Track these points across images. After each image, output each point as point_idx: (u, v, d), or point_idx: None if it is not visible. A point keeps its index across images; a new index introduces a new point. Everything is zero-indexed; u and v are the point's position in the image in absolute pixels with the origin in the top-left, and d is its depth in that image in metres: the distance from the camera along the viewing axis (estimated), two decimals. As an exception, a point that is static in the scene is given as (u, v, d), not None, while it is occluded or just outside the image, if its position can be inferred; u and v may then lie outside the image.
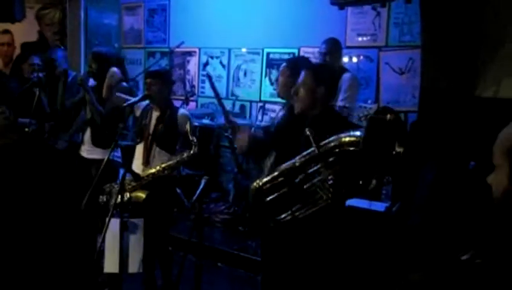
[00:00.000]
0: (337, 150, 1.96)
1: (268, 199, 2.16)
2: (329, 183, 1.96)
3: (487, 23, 2.90)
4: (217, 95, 3.15)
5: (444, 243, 2.43)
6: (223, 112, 3.01)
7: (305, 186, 2.03)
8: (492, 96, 2.86)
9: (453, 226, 2.48)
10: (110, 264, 2.49)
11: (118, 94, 3.14)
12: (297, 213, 2.09)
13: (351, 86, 3.61)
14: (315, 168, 2.02)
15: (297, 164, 2.07)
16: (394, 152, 1.80)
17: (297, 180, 2.06)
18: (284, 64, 2.74)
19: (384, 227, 2.96)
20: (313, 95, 2.23)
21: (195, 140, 2.76)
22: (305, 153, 2.05)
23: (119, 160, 3.46)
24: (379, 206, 3.15)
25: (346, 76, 3.63)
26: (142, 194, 2.75)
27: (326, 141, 1.98)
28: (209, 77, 3.35)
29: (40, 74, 3.70)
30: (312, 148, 2.00)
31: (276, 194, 2.14)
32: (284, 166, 2.13)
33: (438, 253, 2.38)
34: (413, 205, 2.97)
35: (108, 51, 3.69)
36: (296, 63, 2.65)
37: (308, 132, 1.99)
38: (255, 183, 2.22)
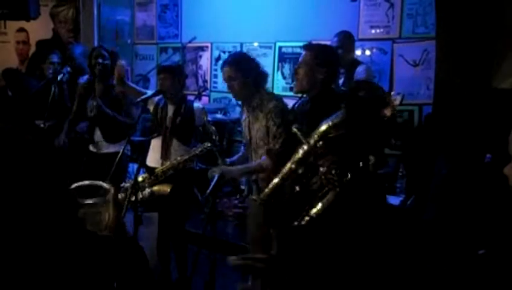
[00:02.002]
0: (327, 137, 1.87)
1: (277, 208, 2.02)
2: (331, 173, 1.87)
3: (504, 14, 2.84)
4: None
5: (459, 237, 2.40)
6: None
7: (313, 185, 1.93)
8: (509, 88, 2.81)
9: (468, 220, 2.45)
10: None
11: (129, 83, 3.19)
12: (312, 213, 1.95)
13: (366, 78, 3.58)
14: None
15: (293, 166, 1.96)
16: (382, 116, 1.74)
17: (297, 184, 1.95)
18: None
19: (398, 221, 2.94)
20: (313, 75, 2.15)
21: (214, 129, 2.82)
22: (297, 152, 1.97)
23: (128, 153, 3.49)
24: (394, 199, 3.13)
25: (360, 68, 3.59)
26: (166, 188, 2.78)
27: (314, 133, 1.91)
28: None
29: (57, 71, 3.79)
30: (303, 146, 1.92)
31: (285, 203, 2.02)
32: (282, 172, 2.00)
33: (454, 247, 2.36)
34: (427, 199, 2.94)
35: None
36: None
37: (294, 129, 1.92)
38: (256, 199, 2.07)
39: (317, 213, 1.95)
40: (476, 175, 2.56)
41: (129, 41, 5.66)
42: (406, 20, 4.17)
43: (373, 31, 4.34)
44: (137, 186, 2.50)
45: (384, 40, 4.29)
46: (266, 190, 2.03)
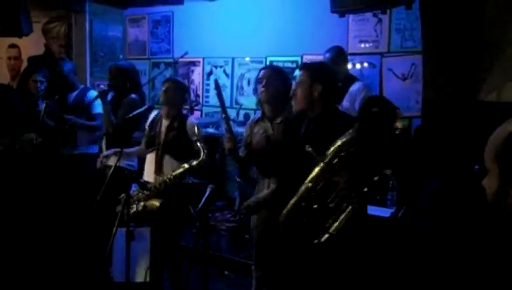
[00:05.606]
0: (341, 154, 1.89)
1: (297, 225, 2.01)
2: (347, 189, 1.89)
3: (488, 28, 2.91)
4: (222, 102, 3.09)
5: (449, 249, 2.42)
6: (225, 120, 2.94)
7: (330, 203, 1.93)
8: (494, 101, 2.86)
9: (458, 232, 2.48)
10: (118, 274, 2.51)
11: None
12: (332, 231, 1.94)
13: (366, 94, 3.67)
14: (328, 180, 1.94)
15: (310, 185, 1.97)
16: (396, 130, 1.76)
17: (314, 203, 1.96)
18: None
19: (389, 233, 2.96)
20: (310, 93, 2.18)
21: (203, 146, 2.77)
22: (313, 170, 1.98)
23: (133, 168, 3.49)
24: (384, 212, 3.15)
25: (356, 86, 3.64)
26: (156, 202, 2.77)
27: (328, 151, 1.93)
28: (217, 84, 3.25)
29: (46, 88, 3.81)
30: (318, 164, 1.94)
31: (304, 220, 2.00)
32: (300, 191, 2.01)
33: (444, 259, 2.38)
34: (418, 211, 2.97)
35: (127, 65, 3.80)
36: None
37: (308, 149, 1.96)
38: (280, 218, 2.07)
39: (337, 230, 1.93)
40: (466, 187, 2.60)
41: (121, 56, 5.69)
42: (394, 35, 4.25)
43: (362, 46, 4.42)
44: (129, 202, 2.50)
45: (373, 54, 4.36)
46: (284, 210, 2.03)
